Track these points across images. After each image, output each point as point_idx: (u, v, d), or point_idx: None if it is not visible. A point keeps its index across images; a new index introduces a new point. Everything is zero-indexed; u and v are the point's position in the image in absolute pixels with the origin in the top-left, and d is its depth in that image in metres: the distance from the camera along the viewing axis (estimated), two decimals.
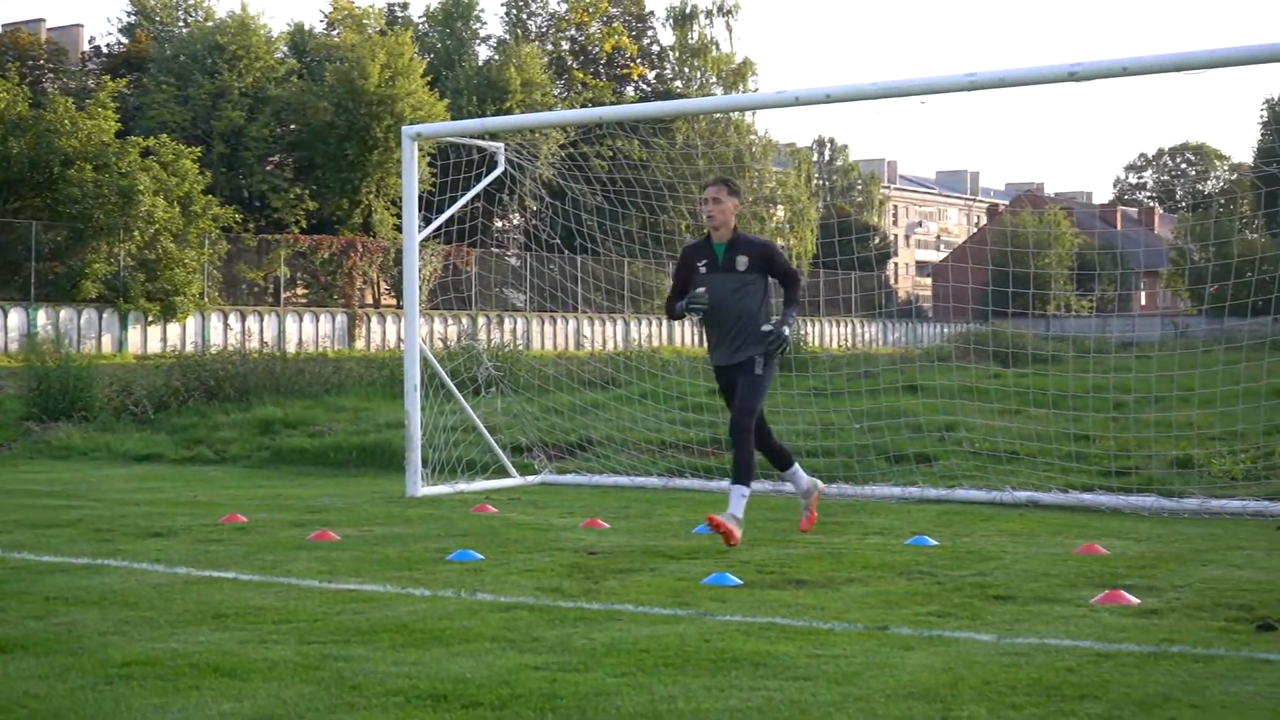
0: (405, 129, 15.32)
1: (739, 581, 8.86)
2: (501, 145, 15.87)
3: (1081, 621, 7.53)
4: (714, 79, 77.20)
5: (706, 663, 6.48)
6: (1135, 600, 8.09)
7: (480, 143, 15.94)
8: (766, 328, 10.72)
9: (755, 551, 10.29)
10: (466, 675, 6.24)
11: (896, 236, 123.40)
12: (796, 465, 11.49)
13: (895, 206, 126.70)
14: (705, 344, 11.16)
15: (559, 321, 61.18)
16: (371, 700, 5.82)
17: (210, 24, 64.61)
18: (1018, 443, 15.42)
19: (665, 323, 56.72)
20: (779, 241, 75.53)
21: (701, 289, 10.70)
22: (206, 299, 52.62)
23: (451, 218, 16.07)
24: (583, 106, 67.91)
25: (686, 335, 56.96)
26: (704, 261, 10.89)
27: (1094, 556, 9.97)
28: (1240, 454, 14.36)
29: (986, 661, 6.48)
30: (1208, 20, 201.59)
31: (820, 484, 11.77)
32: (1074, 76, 11.96)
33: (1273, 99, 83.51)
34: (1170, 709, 5.64)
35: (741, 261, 10.77)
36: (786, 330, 10.70)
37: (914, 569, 9.40)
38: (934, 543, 10.71)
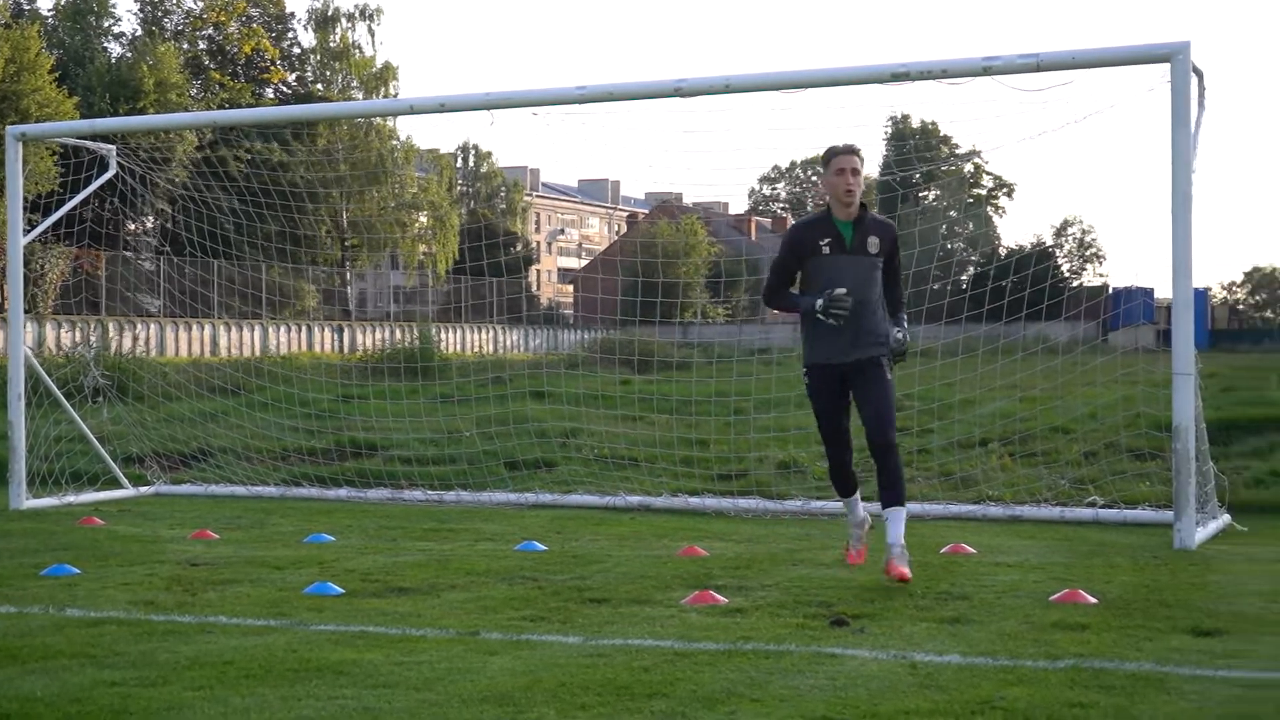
0: (10, 129, 14.76)
1: (340, 590, 8.84)
2: (113, 148, 15.42)
3: (669, 622, 7.76)
4: (355, 83, 76.43)
5: (289, 673, 6.45)
6: (723, 600, 8.38)
7: (90, 144, 15.47)
8: (898, 333, 9.08)
9: (363, 560, 10.28)
10: (37, 694, 6.08)
11: (539, 243, 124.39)
12: (858, 494, 9.58)
13: (538, 214, 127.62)
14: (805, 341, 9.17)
15: (194, 327, 59.64)
16: None
17: None
18: (636, 448, 15.74)
19: (305, 329, 55.94)
20: (420, 248, 75.27)
21: (843, 290, 8.83)
22: None
23: (74, 219, 15.56)
24: (220, 108, 66.37)
25: (328, 341, 56.30)
26: (827, 240, 8.99)
27: (693, 559, 10.28)
28: None
29: (567, 664, 6.63)
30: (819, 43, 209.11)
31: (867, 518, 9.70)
32: (679, 92, 12.33)
33: (896, 116, 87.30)
34: (731, 704, 5.87)
35: (873, 243, 8.99)
36: (903, 335, 9.15)
37: (517, 574, 9.53)
38: (543, 548, 10.87)
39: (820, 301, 8.86)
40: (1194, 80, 11.22)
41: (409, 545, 11.19)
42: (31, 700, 5.97)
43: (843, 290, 8.82)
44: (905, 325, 9.20)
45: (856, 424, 9.15)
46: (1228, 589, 8.79)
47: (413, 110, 13.52)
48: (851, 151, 8.99)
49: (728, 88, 12.38)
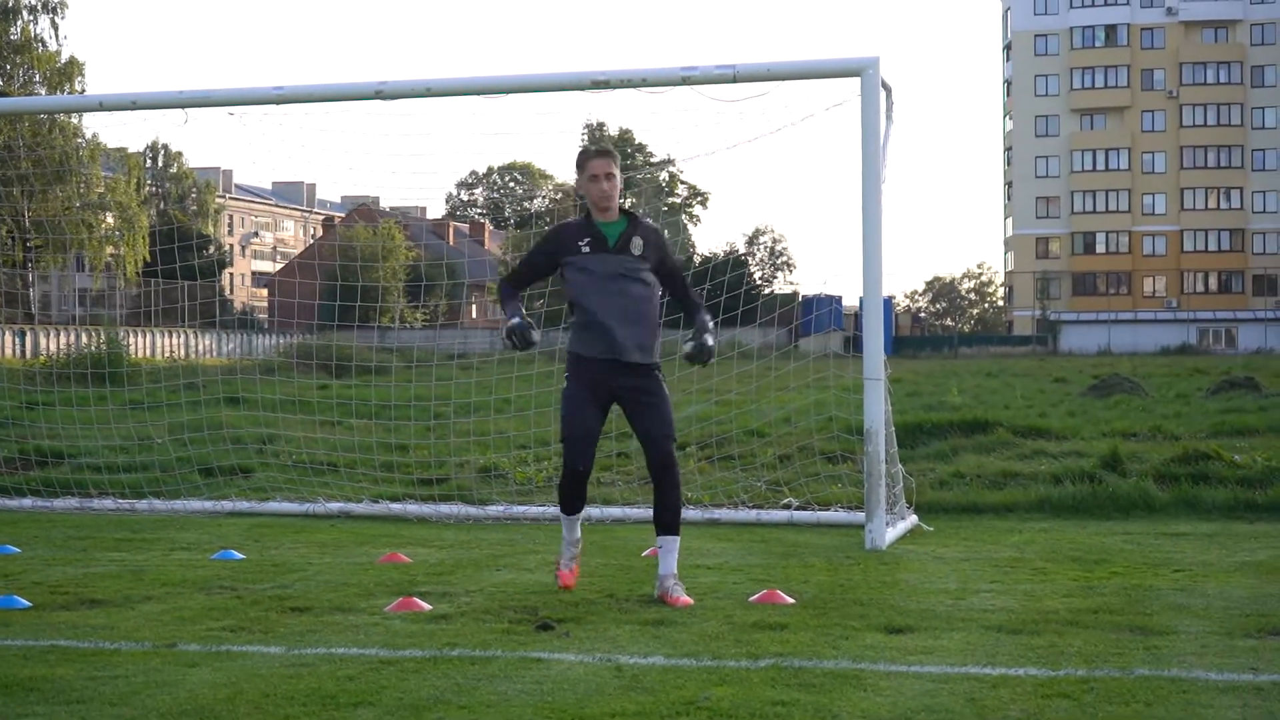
0: None
1: (28, 604, 8.51)
2: None
3: (373, 630, 7.69)
4: (38, 78, 73.74)
5: None
6: (427, 606, 8.33)
7: None
8: (688, 345, 8.85)
9: (51, 571, 9.92)
10: None
11: (232, 246, 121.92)
12: (580, 514, 9.19)
13: (231, 216, 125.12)
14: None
15: None
16: None
17: None
18: (336, 454, 15.54)
19: None
20: (108, 250, 73.01)
21: (523, 331, 8.67)
22: None
23: None
24: None
25: (8, 345, 54.13)
26: (586, 240, 8.73)
27: (396, 565, 10.20)
28: (542, 461, 15.06)
29: (270, 674, 6.50)
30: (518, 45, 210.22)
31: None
32: (380, 95, 12.24)
33: (593, 124, 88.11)
34: (440, 710, 5.85)
35: (637, 244, 8.74)
36: (710, 340, 8.92)
37: (215, 584, 9.32)
38: (241, 557, 10.66)
39: (515, 321, 8.71)
40: (883, 94, 11.60)
41: (100, 556, 10.84)
42: None
43: (531, 334, 8.71)
44: (710, 328, 8.94)
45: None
46: (917, 587, 9.10)
47: (102, 107, 13.09)
48: (604, 154, 8.83)
49: (429, 91, 12.35)
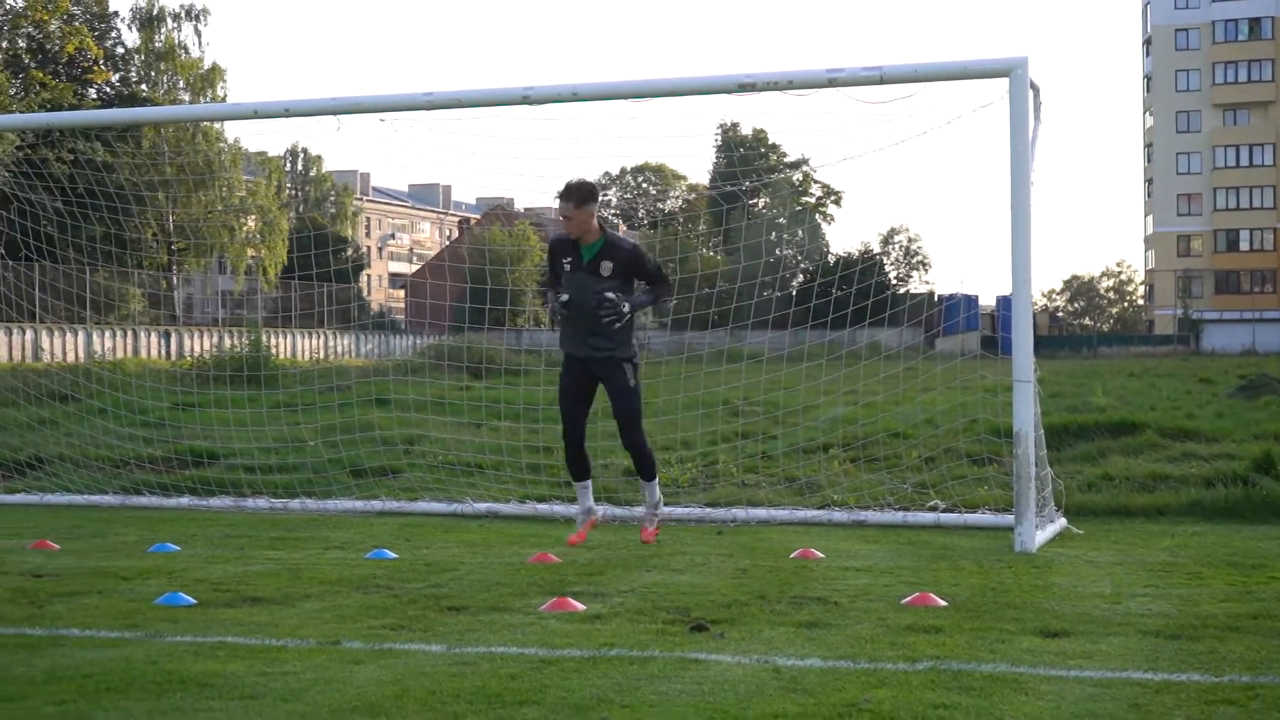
0: None
1: (192, 601, 8.73)
2: None
3: (529, 629, 7.79)
4: (182, 84, 75.20)
5: (152, 686, 6.37)
6: (581, 606, 8.43)
7: None
8: (608, 295, 10.35)
9: (212, 569, 10.15)
10: None
11: (369, 248, 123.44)
12: (589, 482, 11.16)
13: (369, 218, 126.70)
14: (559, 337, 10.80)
15: (15, 332, 58.26)
16: None
17: None
18: (483, 455, 15.71)
19: (130, 334, 54.91)
20: (249, 252, 74.29)
21: (565, 298, 10.47)
22: None
23: None
24: (42, 108, 64.88)
25: (154, 346, 55.28)
26: (568, 259, 10.54)
27: (546, 565, 10.31)
28: (686, 463, 15.11)
29: (434, 672, 6.63)
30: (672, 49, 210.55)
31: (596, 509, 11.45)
32: (528, 99, 12.36)
33: (726, 125, 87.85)
34: (603, 710, 5.93)
35: (606, 267, 10.43)
36: (626, 306, 10.42)
37: (371, 583, 9.48)
38: (394, 556, 10.83)
39: (560, 300, 10.50)
40: (1030, 94, 11.52)
41: (257, 554, 11.07)
42: None
43: (564, 298, 10.45)
44: (637, 301, 10.52)
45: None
46: (1071, 591, 9.03)
47: (257, 114, 13.36)
48: (563, 197, 10.37)
49: (575, 95, 12.45)
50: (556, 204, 10.46)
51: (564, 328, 10.64)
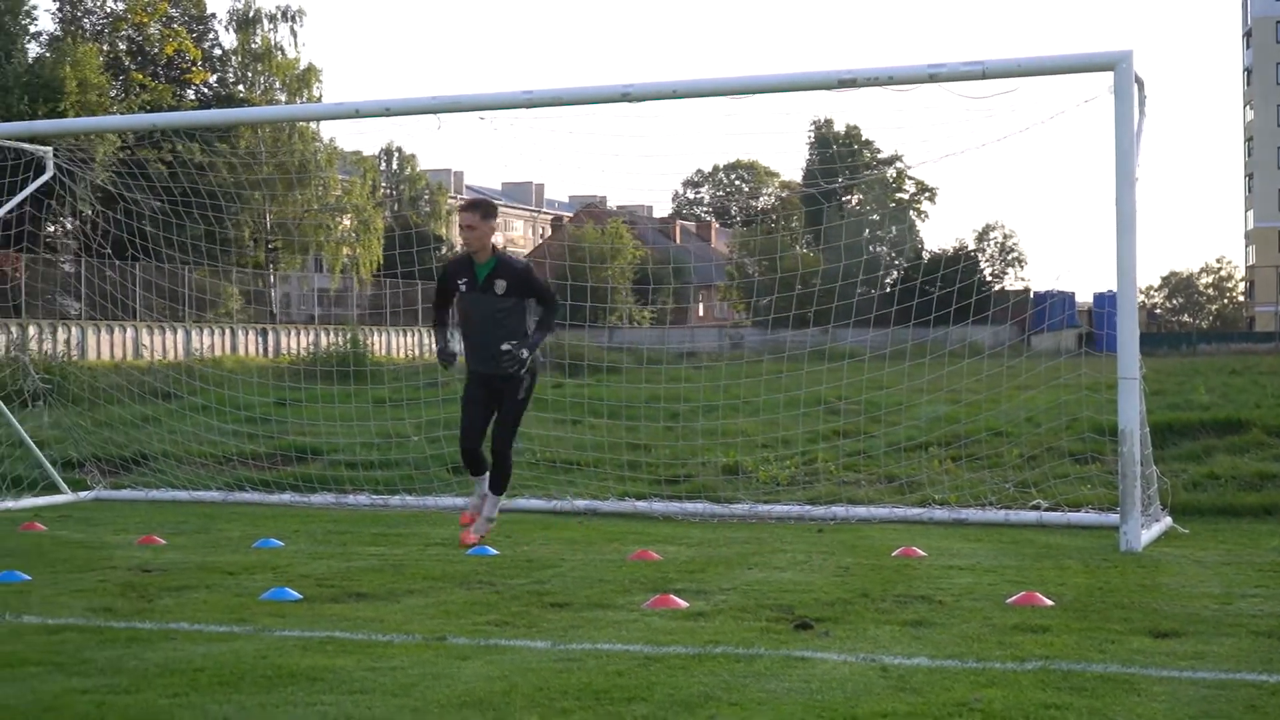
0: None
1: (298, 596, 8.81)
2: (50, 149, 15.24)
3: (633, 626, 7.79)
4: (278, 85, 75.89)
5: (262, 679, 6.43)
6: (684, 604, 8.42)
7: (26, 146, 15.26)
8: (505, 346, 10.72)
9: (316, 565, 10.24)
10: (10, 702, 6.03)
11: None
12: (486, 475, 11.48)
13: None
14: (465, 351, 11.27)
15: (116, 330, 58.99)
16: None
17: None
18: (577, 452, 15.74)
19: (229, 331, 55.50)
20: (344, 251, 74.89)
21: (454, 353, 11.08)
22: None
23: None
24: (141, 109, 65.73)
25: (252, 344, 55.85)
26: (464, 280, 10.86)
27: (647, 562, 10.31)
28: (785, 460, 15.07)
29: (540, 668, 6.64)
30: (760, 47, 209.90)
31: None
32: (628, 97, 12.37)
33: (819, 121, 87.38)
34: (711, 707, 5.92)
35: (500, 285, 10.76)
36: (525, 353, 10.77)
37: (474, 579, 9.53)
38: (494, 552, 10.88)
39: (439, 348, 11.05)
40: (1135, 88, 11.37)
41: (360, 550, 11.16)
42: (5, 708, 5.92)
43: (454, 353, 11.06)
44: (533, 342, 10.80)
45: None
46: (1179, 591, 8.92)
47: (359, 114, 13.45)
48: (466, 209, 10.89)
49: (675, 93, 12.46)
50: (458, 216, 10.99)
51: (467, 345, 11.09)
